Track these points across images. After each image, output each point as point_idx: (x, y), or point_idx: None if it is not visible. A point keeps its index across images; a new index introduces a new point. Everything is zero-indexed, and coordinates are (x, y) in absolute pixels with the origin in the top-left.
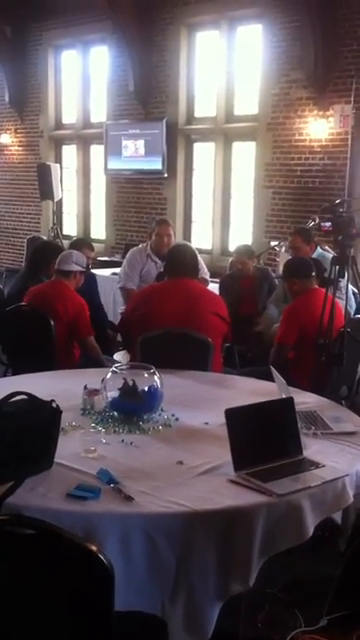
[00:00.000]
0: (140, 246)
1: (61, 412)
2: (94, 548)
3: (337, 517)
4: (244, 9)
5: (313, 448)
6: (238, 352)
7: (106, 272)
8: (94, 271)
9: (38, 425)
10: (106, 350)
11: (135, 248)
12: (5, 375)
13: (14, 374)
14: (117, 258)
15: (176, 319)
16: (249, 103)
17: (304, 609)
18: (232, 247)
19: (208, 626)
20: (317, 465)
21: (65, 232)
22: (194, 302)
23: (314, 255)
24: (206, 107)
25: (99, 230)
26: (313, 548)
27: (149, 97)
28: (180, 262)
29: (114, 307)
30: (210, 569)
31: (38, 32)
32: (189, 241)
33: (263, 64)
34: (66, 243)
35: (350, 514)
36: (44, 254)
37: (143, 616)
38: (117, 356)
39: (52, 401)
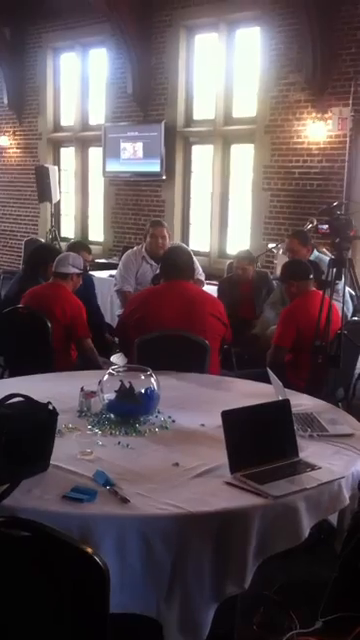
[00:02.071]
0: (135, 248)
1: (57, 414)
2: (89, 550)
3: (333, 519)
4: (243, 12)
5: (309, 450)
6: (235, 354)
7: (104, 274)
8: (91, 273)
9: (34, 427)
10: (103, 352)
11: (130, 250)
12: (2, 377)
13: (11, 376)
14: (115, 260)
15: (174, 321)
16: (247, 106)
17: (300, 611)
18: (230, 249)
19: (203, 628)
20: (313, 467)
21: (63, 234)
22: (191, 304)
23: (311, 257)
24: (205, 109)
25: (97, 232)
26: (309, 550)
27: (148, 99)
28: (175, 265)
29: (111, 309)
30: (206, 571)
31: (37, 34)
32: (187, 243)
33: (261, 67)
34: (64, 245)
35: (346, 516)
36: (42, 256)
37: (138, 618)
38: (114, 358)
39: (48, 403)
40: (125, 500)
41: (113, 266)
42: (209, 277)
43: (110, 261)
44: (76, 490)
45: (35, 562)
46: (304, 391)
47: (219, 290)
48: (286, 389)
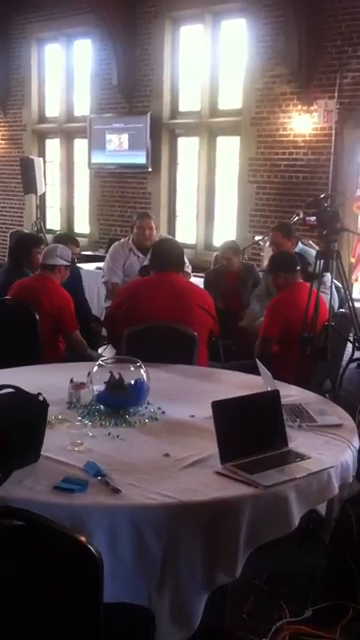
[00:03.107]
0: (122, 240)
1: (48, 405)
2: (83, 539)
3: (321, 509)
4: (228, 3)
5: (299, 440)
6: (223, 346)
7: (90, 267)
8: (78, 265)
9: (25, 418)
10: (90, 344)
11: (117, 242)
12: None
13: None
14: (101, 253)
15: (162, 313)
16: (233, 98)
17: (289, 600)
18: (216, 242)
19: (195, 617)
20: (303, 457)
21: (49, 226)
22: (180, 296)
23: (296, 250)
24: (190, 101)
25: (83, 224)
26: (298, 540)
27: (133, 91)
28: (166, 256)
29: (98, 302)
30: (197, 560)
31: (21, 25)
32: (173, 236)
33: (247, 59)
34: (50, 237)
35: (334, 506)
36: (24, 245)
37: (131, 607)
38: (101, 350)
39: (39, 394)
40: (116, 490)
41: (99, 258)
42: (195, 269)
43: (96, 253)
44: (67, 481)
45: (28, 551)
46: (292, 383)
47: (205, 282)
48: (275, 380)
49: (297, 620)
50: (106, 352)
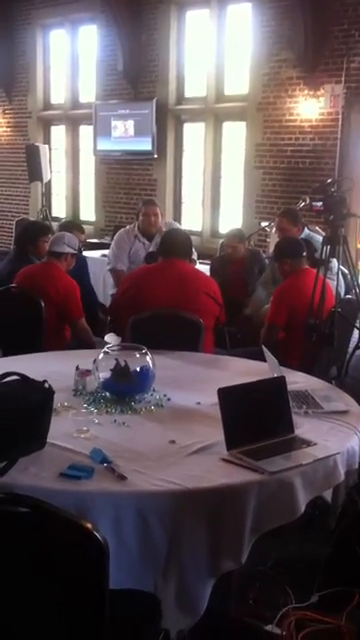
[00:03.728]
0: (128, 227)
1: (54, 392)
2: (89, 525)
3: (327, 496)
4: None
5: (304, 427)
6: (228, 333)
7: (96, 254)
8: (84, 253)
9: (30, 405)
10: (96, 332)
11: (122, 229)
12: None
13: (5, 356)
14: (107, 240)
15: (167, 300)
16: (239, 83)
17: (295, 586)
18: (222, 228)
19: (201, 603)
20: (309, 443)
21: (54, 214)
22: (185, 282)
23: (302, 236)
24: (196, 87)
25: (89, 212)
26: (304, 526)
27: (138, 77)
28: (173, 243)
29: (104, 289)
30: (202, 547)
31: (26, 11)
32: (179, 222)
33: (253, 43)
34: (55, 225)
35: (340, 492)
36: (30, 233)
37: (137, 594)
38: (107, 338)
39: (44, 381)
40: (122, 477)
41: (105, 246)
42: (201, 257)
43: (102, 241)
44: (73, 468)
45: (34, 538)
46: (298, 369)
47: (211, 269)
48: (281, 367)
49: (303, 606)
50: (113, 339)
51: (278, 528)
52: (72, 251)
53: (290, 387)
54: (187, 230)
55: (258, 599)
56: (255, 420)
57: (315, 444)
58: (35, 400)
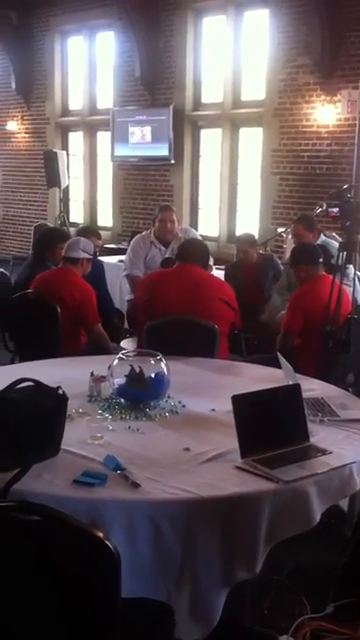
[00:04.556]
0: (144, 233)
1: (67, 399)
2: (100, 534)
3: (343, 504)
4: None
5: (320, 435)
6: (245, 339)
7: (113, 259)
8: (101, 259)
9: (44, 412)
10: (112, 338)
11: (139, 235)
12: (12, 362)
13: (21, 361)
14: (124, 246)
15: (181, 305)
16: (256, 89)
17: (310, 596)
18: (239, 234)
19: (214, 613)
20: (324, 452)
21: (72, 219)
22: (199, 287)
23: (318, 242)
24: (213, 93)
25: (106, 217)
26: (319, 535)
27: (155, 83)
28: (191, 249)
29: (120, 295)
30: (216, 556)
31: (44, 18)
32: (196, 228)
33: (270, 49)
34: (73, 231)
35: (356, 501)
36: (48, 240)
37: (150, 603)
38: (124, 343)
39: (58, 388)
40: (136, 485)
41: (122, 251)
42: (218, 262)
43: (119, 246)
44: (86, 474)
45: (45, 546)
46: (314, 377)
47: (225, 275)
48: (297, 374)
49: (318, 616)
50: (129, 344)
51: (294, 536)
52: (87, 256)
53: (306, 394)
54: (203, 236)
55: (273, 609)
56: (270, 428)
57: (330, 453)
58: (49, 406)
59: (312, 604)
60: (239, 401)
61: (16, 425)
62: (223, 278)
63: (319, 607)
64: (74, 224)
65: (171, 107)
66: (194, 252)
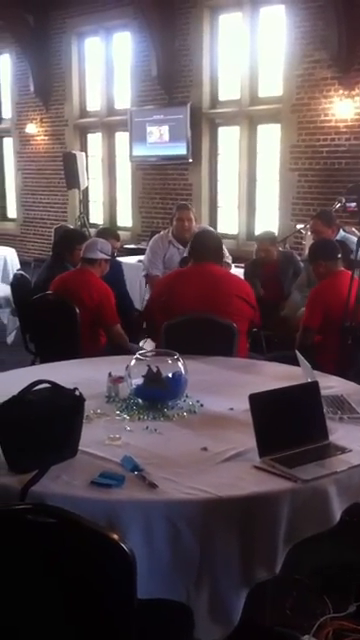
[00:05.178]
0: (162, 233)
1: (84, 400)
2: (115, 536)
3: None
4: None
5: (339, 433)
6: (265, 337)
7: (132, 260)
8: (120, 259)
9: (61, 413)
10: (132, 338)
11: (157, 235)
12: (33, 364)
13: (42, 363)
14: (143, 245)
15: (199, 303)
16: (273, 85)
17: (333, 595)
18: (258, 231)
19: (234, 613)
20: (343, 450)
21: (92, 220)
22: (217, 285)
23: (337, 237)
24: (230, 90)
25: (125, 217)
26: (341, 534)
27: (172, 82)
28: (204, 246)
29: (140, 294)
30: (235, 556)
31: (61, 20)
32: (215, 226)
33: (287, 45)
34: (93, 232)
35: None
36: (67, 241)
37: (169, 604)
38: (143, 344)
39: (75, 389)
40: (153, 485)
41: (142, 251)
42: (237, 260)
43: (139, 246)
44: (104, 475)
45: (60, 549)
46: (334, 373)
47: (245, 273)
48: (316, 371)
49: (341, 615)
50: (146, 345)
51: (315, 536)
52: (105, 257)
53: (325, 392)
54: (222, 233)
55: (295, 608)
56: (288, 426)
57: (350, 451)
58: (66, 408)
59: (334, 603)
60: (257, 400)
61: (34, 427)
62: (242, 276)
63: (341, 607)
64: (94, 225)
65: (188, 106)
66: (208, 250)
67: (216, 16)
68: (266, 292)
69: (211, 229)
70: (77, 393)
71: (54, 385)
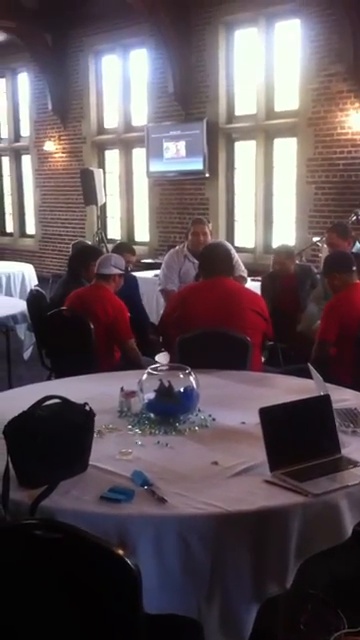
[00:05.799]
0: (177, 247)
1: (94, 415)
2: (120, 552)
3: None
4: (281, 5)
5: (352, 446)
6: (281, 350)
7: (149, 274)
8: (137, 274)
9: (71, 428)
10: (147, 352)
11: (172, 249)
12: (49, 379)
13: (57, 378)
14: (160, 260)
15: (213, 318)
16: (289, 99)
17: (347, 610)
18: (275, 245)
19: (245, 628)
20: (356, 463)
21: (110, 236)
22: (230, 300)
23: (353, 250)
24: (246, 105)
25: (143, 233)
26: (355, 547)
27: (189, 98)
28: (213, 261)
29: (157, 309)
30: (245, 571)
31: (78, 38)
32: (232, 240)
33: (302, 59)
34: (111, 247)
35: None
36: (81, 257)
37: (179, 619)
38: (158, 358)
39: (85, 404)
40: (162, 500)
41: (159, 266)
42: (254, 273)
43: (156, 261)
44: (113, 490)
45: (67, 564)
46: (350, 386)
47: (262, 286)
48: (330, 384)
49: (356, 630)
50: (163, 358)
51: (329, 550)
52: (119, 272)
53: (339, 405)
54: (240, 247)
55: (309, 623)
56: (299, 440)
57: None
58: (76, 423)
59: (349, 618)
60: (267, 413)
61: (43, 442)
62: (260, 289)
63: (356, 621)
64: (112, 240)
65: (205, 121)
66: (218, 265)
67: (232, 32)
68: (283, 305)
69: (225, 242)
70: (87, 408)
71: (64, 400)
